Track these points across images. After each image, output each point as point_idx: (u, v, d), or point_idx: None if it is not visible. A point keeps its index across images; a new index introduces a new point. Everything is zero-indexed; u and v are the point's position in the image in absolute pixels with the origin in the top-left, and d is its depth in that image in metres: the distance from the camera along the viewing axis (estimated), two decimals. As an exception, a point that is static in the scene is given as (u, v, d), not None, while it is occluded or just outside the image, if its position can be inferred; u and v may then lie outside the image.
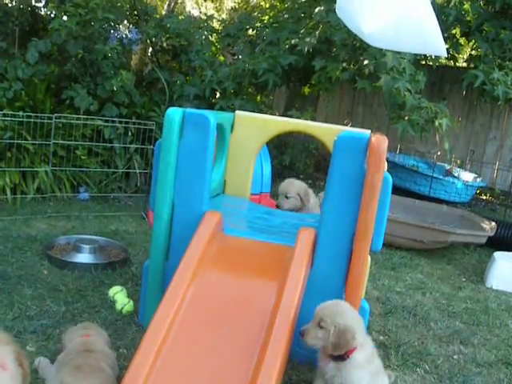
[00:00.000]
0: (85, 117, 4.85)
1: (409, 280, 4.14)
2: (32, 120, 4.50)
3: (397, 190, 7.29)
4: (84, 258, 3.50)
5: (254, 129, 3.35)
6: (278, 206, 3.48)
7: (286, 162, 6.32)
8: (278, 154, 6.47)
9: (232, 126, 3.34)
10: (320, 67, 5.12)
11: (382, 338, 3.08)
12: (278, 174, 5.57)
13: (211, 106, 5.75)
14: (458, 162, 8.28)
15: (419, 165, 7.88)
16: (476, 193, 7.75)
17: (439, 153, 8.35)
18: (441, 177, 7.05)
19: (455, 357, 2.96)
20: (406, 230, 4.71)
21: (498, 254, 4.38)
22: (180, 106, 5.53)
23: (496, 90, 4.56)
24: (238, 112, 3.40)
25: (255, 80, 5.41)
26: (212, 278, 2.36)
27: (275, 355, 1.97)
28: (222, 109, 5.49)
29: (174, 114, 2.56)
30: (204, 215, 2.55)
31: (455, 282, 4.23)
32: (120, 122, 5.17)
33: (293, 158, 6.89)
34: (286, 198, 3.44)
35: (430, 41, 3.21)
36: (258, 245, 2.59)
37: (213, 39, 6.35)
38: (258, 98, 6.15)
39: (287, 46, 5.50)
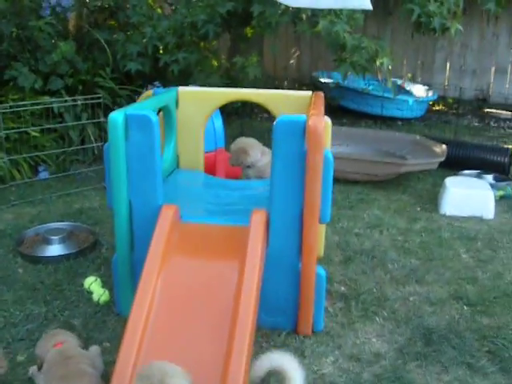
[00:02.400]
0: (32, 102, 4.82)
1: (366, 218, 4.35)
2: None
3: (351, 113, 7.49)
4: (54, 250, 3.62)
5: (198, 103, 3.47)
6: (233, 165, 3.83)
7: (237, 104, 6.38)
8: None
9: (177, 103, 3.42)
10: (258, 12, 5.11)
11: (343, 288, 3.31)
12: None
13: (156, 62, 5.75)
14: (409, 75, 8.40)
15: (371, 83, 7.97)
16: (429, 105, 7.91)
17: (390, 67, 8.45)
18: (392, 96, 7.18)
19: (411, 298, 3.20)
20: (359, 166, 4.90)
21: (448, 181, 4.60)
22: (124, 66, 5.61)
23: (432, 21, 4.64)
24: (180, 89, 3.48)
25: (195, 32, 5.39)
26: (178, 266, 2.54)
27: (244, 328, 2.20)
28: (166, 64, 5.50)
29: (116, 117, 2.63)
30: (161, 210, 2.68)
31: (411, 214, 4.46)
32: (67, 95, 5.17)
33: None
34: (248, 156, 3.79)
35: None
36: (216, 228, 2.75)
37: (147, -10, 6.24)
38: (202, 45, 6.11)
39: (224, -9, 5.45)
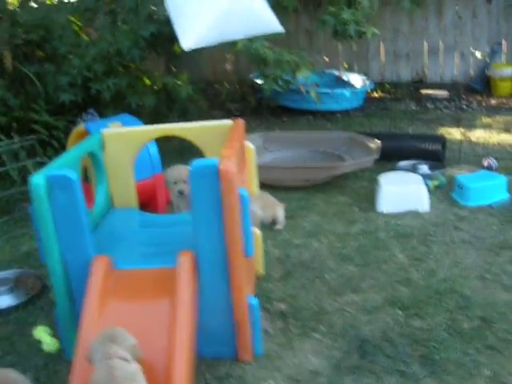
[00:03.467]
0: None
1: (306, 226, 4.49)
2: None
3: (291, 111, 7.62)
4: (4, 301, 3.67)
5: (124, 142, 3.55)
6: (181, 193, 3.87)
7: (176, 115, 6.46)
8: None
9: (102, 145, 3.49)
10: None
11: (283, 306, 3.42)
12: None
13: (88, 90, 5.78)
14: (346, 65, 8.55)
15: (309, 77, 8.09)
16: (368, 93, 8.08)
17: (326, 59, 8.61)
18: (328, 91, 7.31)
19: (348, 309, 3.34)
20: (294, 173, 5.03)
21: (382, 179, 4.76)
22: (58, 98, 5.61)
23: (348, 29, 4.76)
24: (104, 131, 3.54)
25: (121, 58, 5.44)
26: (115, 311, 2.66)
27: (180, 363, 2.38)
28: (98, 91, 5.54)
29: (37, 180, 2.70)
30: (92, 262, 2.77)
31: (349, 216, 4.61)
32: (1, 134, 5.19)
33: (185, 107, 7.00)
34: (185, 182, 3.80)
35: (260, 21, 3.33)
36: (148, 272, 2.85)
37: (72, 18, 6.24)
38: (133, 66, 6.16)
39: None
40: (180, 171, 3.90)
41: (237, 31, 3.29)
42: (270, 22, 3.35)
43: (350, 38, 4.89)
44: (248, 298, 2.87)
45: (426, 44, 8.51)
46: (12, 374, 2.68)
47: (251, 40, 4.53)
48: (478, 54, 8.38)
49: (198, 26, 3.03)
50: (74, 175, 2.73)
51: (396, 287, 3.52)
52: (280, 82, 4.77)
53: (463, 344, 2.95)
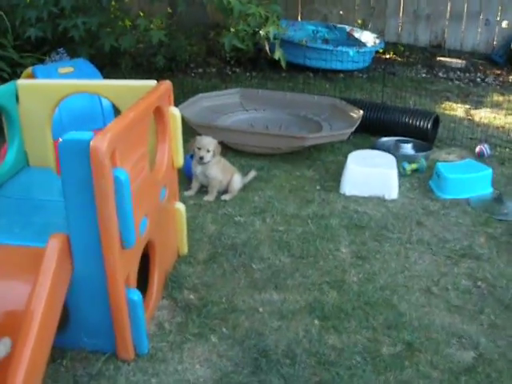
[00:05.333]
0: None
1: (256, 201, 4.08)
2: None
3: (292, 67, 7.08)
4: None
5: (40, 96, 3.16)
6: (200, 158, 3.92)
7: (160, 63, 5.97)
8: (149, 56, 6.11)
9: (16, 97, 3.13)
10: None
11: (191, 296, 3.05)
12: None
13: (56, 27, 5.33)
14: (360, 21, 7.92)
15: (319, 29, 7.57)
16: (378, 53, 7.48)
17: (341, 12, 7.99)
18: (331, 48, 6.76)
19: (260, 309, 2.96)
20: (261, 140, 4.58)
21: (351, 157, 4.30)
22: (24, 32, 5.18)
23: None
24: (19, 82, 3.17)
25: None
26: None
27: (27, 342, 2.10)
28: (65, 29, 5.09)
29: None
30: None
31: (307, 194, 4.17)
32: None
33: (174, 51, 6.52)
34: (208, 151, 3.92)
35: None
36: (18, 250, 2.49)
37: None
38: (113, 4, 5.66)
39: None
40: (207, 140, 3.95)
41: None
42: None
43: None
44: (127, 291, 2.50)
45: (449, 6, 7.79)
46: None
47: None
48: (504, 24, 7.64)
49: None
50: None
51: (324, 290, 3.11)
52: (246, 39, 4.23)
53: (373, 374, 2.54)
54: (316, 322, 2.87)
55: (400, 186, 4.19)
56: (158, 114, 2.89)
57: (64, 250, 2.37)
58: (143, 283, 2.82)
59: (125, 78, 2.94)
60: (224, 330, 2.81)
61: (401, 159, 4.49)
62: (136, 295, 2.53)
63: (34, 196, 2.99)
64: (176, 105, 3.09)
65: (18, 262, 2.44)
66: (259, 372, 2.55)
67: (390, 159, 4.30)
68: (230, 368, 2.58)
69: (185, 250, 3.38)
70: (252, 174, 4.26)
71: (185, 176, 4.12)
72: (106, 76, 4.20)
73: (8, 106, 3.09)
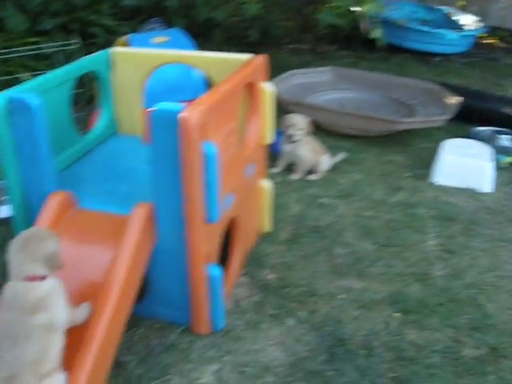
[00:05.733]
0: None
1: (343, 184, 3.97)
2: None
3: (387, 48, 6.85)
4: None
5: (134, 64, 3.17)
6: (289, 137, 3.91)
7: (253, 37, 5.90)
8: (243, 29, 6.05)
9: (110, 65, 3.17)
10: None
11: (271, 276, 3.00)
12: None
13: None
14: (461, 3, 7.55)
15: (418, 10, 7.28)
16: (478, 38, 7.13)
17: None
18: (430, 30, 6.48)
19: (340, 296, 2.87)
20: (352, 121, 4.45)
21: (446, 145, 4.11)
22: (121, 1, 5.21)
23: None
24: (114, 50, 3.19)
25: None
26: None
27: (105, 308, 2.12)
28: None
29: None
30: (48, 198, 2.47)
31: (395, 181, 4.03)
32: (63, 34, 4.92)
33: (267, 25, 6.42)
34: (298, 130, 3.90)
35: None
36: (106, 217, 2.51)
37: None
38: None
39: None
40: (298, 119, 3.92)
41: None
42: None
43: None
44: (208, 266, 2.47)
45: None
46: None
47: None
48: None
49: None
50: (35, 100, 2.38)
51: (408, 282, 2.98)
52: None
53: (453, 376, 2.42)
54: (397, 314, 2.76)
55: (495, 180, 3.97)
56: (251, 88, 2.83)
57: (148, 219, 2.37)
58: (223, 259, 2.78)
59: (217, 50, 2.89)
60: (301, 313, 2.75)
61: (497, 151, 4.24)
62: (216, 271, 2.51)
63: (121, 163, 3.00)
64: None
65: (102, 229, 2.46)
66: (334, 360, 2.48)
67: (487, 150, 4.08)
68: (304, 353, 2.52)
69: (267, 228, 3.34)
70: (341, 155, 4.15)
71: (271, 152, 4.05)
72: (198, 47, 4.16)
73: (102, 73, 3.12)
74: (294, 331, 2.64)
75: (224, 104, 2.45)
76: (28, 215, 2.61)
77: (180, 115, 2.14)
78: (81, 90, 4.33)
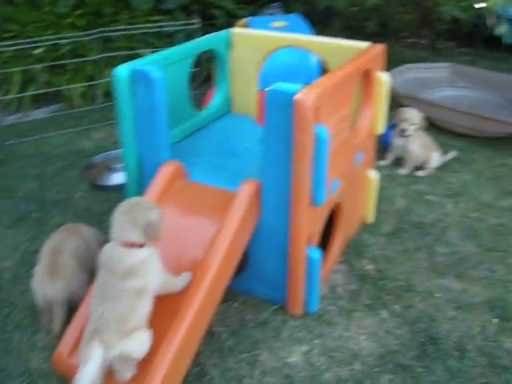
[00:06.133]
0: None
1: (451, 183, 3.88)
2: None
3: (510, 47, 6.57)
4: (116, 178, 3.69)
5: (253, 46, 3.26)
6: (402, 131, 3.87)
7: (371, 28, 5.83)
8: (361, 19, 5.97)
9: (229, 45, 3.27)
10: None
11: (369, 267, 3.00)
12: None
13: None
14: None
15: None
16: None
17: None
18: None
19: (437, 295, 2.83)
20: (467, 120, 4.32)
21: None
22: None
23: None
24: (234, 30, 3.28)
25: None
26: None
27: (204, 277, 2.19)
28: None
29: (120, 73, 2.54)
30: (160, 167, 2.59)
31: (506, 185, 3.88)
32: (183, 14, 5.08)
33: (386, 17, 6.32)
34: (412, 125, 3.85)
35: None
36: (214, 191, 2.59)
37: None
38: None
39: None
40: (412, 113, 3.88)
41: None
42: None
43: None
44: (308, 248, 2.51)
45: None
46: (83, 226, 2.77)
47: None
48: None
49: None
50: (157, 73, 2.50)
51: (510, 289, 2.89)
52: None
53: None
54: (495, 320, 2.68)
55: None
56: (367, 77, 2.82)
57: (254, 196, 2.42)
58: (324, 243, 2.80)
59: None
60: (396, 307, 2.73)
61: None
62: (316, 254, 2.53)
63: (232, 142, 3.08)
64: (383, 72, 2.99)
65: (209, 202, 2.54)
66: (424, 358, 2.44)
67: None
68: (395, 347, 2.50)
69: (370, 219, 3.32)
70: (452, 154, 4.05)
71: (381, 144, 4.01)
72: (316, 35, 4.17)
73: (221, 53, 3.21)
74: (386, 323, 2.63)
75: (339, 89, 2.46)
76: (140, 183, 2.74)
77: (296, 96, 2.17)
78: (198, 69, 4.46)
